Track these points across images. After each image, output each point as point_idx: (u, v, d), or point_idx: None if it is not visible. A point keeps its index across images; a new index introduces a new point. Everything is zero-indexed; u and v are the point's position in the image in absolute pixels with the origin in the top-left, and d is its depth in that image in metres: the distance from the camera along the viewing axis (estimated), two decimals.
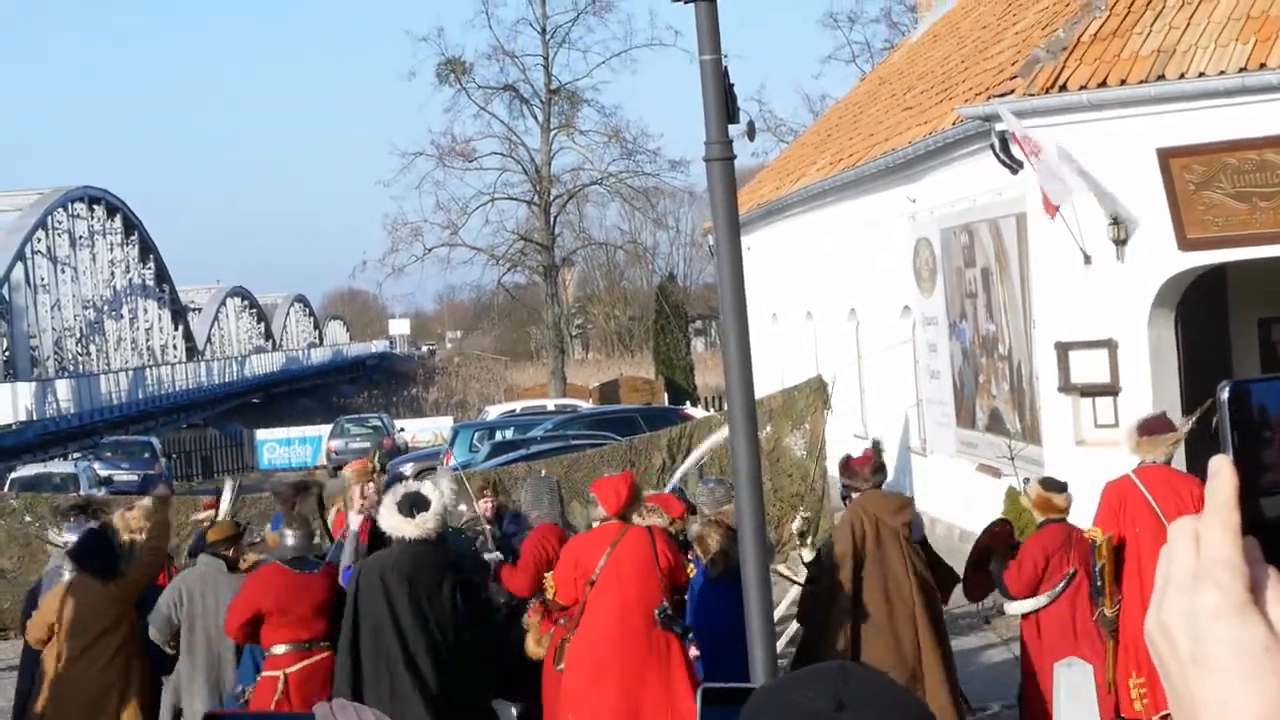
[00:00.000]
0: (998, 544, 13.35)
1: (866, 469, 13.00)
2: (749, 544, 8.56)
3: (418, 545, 11.40)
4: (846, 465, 13.16)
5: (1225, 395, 1.79)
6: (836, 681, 2.00)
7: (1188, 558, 1.63)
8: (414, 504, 11.41)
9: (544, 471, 15.30)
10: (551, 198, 72.69)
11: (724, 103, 8.62)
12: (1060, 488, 12.94)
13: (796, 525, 14.38)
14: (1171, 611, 1.62)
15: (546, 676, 12.26)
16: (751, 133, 9.20)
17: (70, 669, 12.01)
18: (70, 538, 13.37)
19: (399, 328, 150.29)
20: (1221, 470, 1.65)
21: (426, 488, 11.58)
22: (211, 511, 15.50)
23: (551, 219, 73.15)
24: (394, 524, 11.43)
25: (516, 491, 16.95)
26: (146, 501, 13.95)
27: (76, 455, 54.11)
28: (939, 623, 12.76)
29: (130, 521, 13.53)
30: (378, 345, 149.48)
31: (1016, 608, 12.99)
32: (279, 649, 11.70)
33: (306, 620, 11.74)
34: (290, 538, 12.11)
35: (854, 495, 12.94)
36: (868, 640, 12.37)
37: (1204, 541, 1.63)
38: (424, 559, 11.43)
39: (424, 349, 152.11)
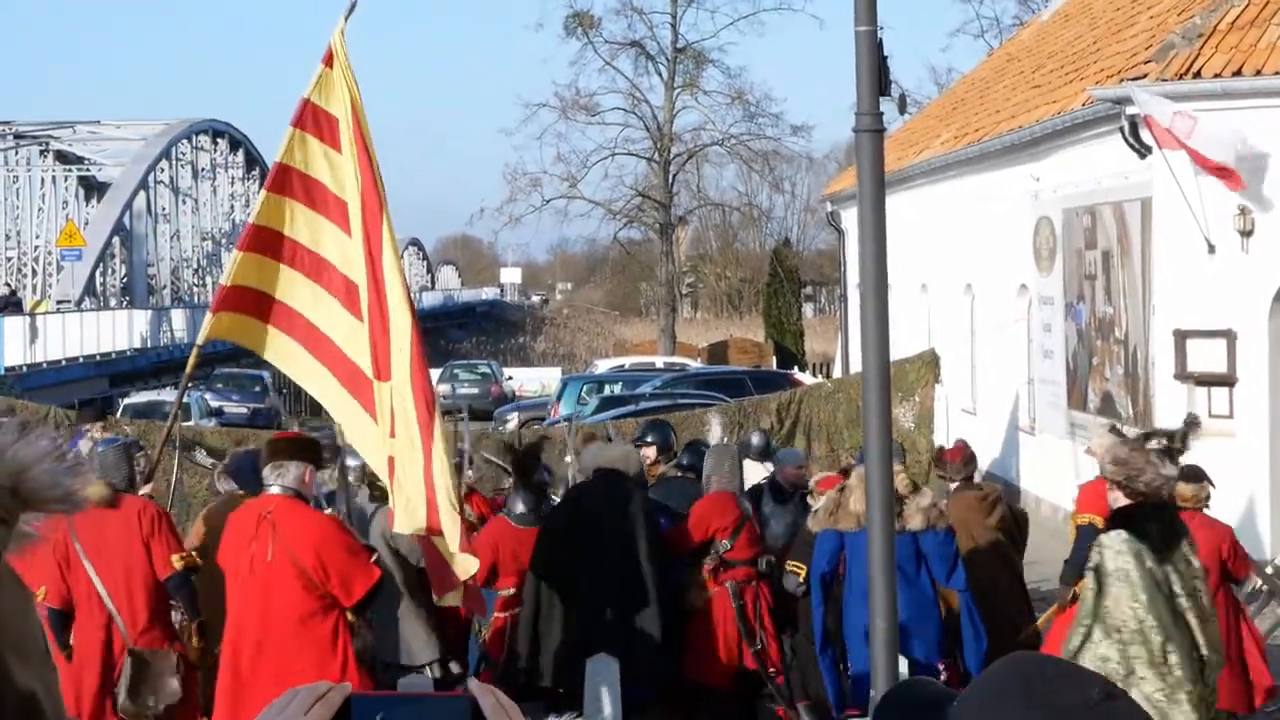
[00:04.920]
0: None
1: (958, 461, 13.53)
2: (877, 514, 8.67)
3: (615, 476, 11.94)
4: (938, 458, 13.70)
5: None
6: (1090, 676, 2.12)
7: None
8: (611, 439, 12.09)
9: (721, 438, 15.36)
10: (671, 156, 72.70)
11: (877, 75, 8.61)
12: (1192, 478, 12.99)
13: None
14: None
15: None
16: (903, 105, 9.27)
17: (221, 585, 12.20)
18: (207, 462, 13.87)
19: (510, 276, 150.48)
20: None
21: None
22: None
23: (670, 177, 73.15)
24: (596, 452, 12.00)
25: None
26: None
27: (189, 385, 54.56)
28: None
29: None
30: (488, 292, 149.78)
31: None
32: (505, 593, 12.34)
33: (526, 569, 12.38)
34: (521, 493, 12.67)
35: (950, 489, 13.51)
36: None
37: None
38: (620, 491, 11.84)
39: (534, 299, 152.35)
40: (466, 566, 10.30)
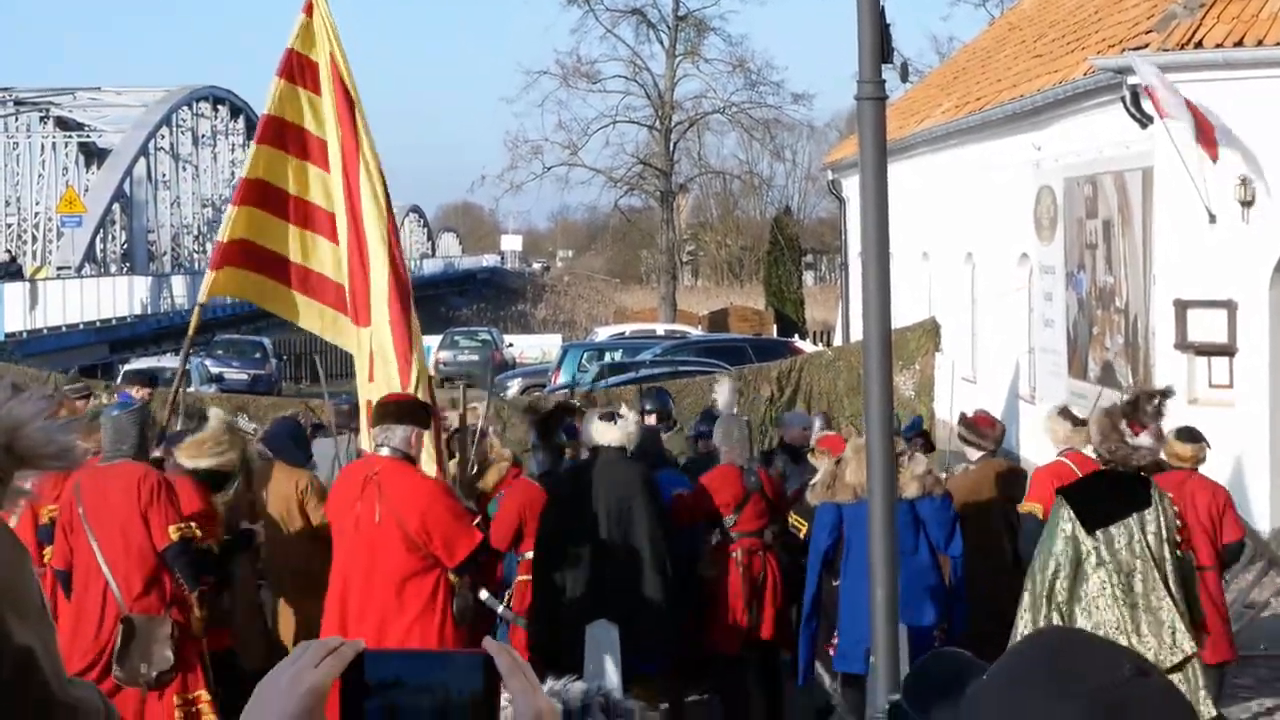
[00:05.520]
0: None
1: (995, 431, 13.54)
2: (878, 484, 8.67)
3: (615, 453, 11.83)
4: (967, 423, 13.64)
5: None
6: (1118, 652, 2.14)
7: None
8: (615, 414, 12.00)
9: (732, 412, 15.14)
10: (672, 123, 72.67)
11: (879, 42, 8.58)
12: (1189, 438, 12.98)
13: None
14: None
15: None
16: (904, 74, 9.23)
17: (269, 551, 12.13)
18: (249, 426, 13.87)
19: (511, 243, 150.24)
20: None
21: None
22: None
23: (671, 145, 73.11)
24: (595, 429, 11.93)
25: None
26: None
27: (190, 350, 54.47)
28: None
29: None
30: (489, 259, 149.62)
31: None
32: (529, 555, 12.21)
33: None
34: (540, 453, 12.75)
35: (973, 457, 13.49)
36: None
37: None
38: (620, 467, 11.78)
39: (535, 266, 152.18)
40: None
